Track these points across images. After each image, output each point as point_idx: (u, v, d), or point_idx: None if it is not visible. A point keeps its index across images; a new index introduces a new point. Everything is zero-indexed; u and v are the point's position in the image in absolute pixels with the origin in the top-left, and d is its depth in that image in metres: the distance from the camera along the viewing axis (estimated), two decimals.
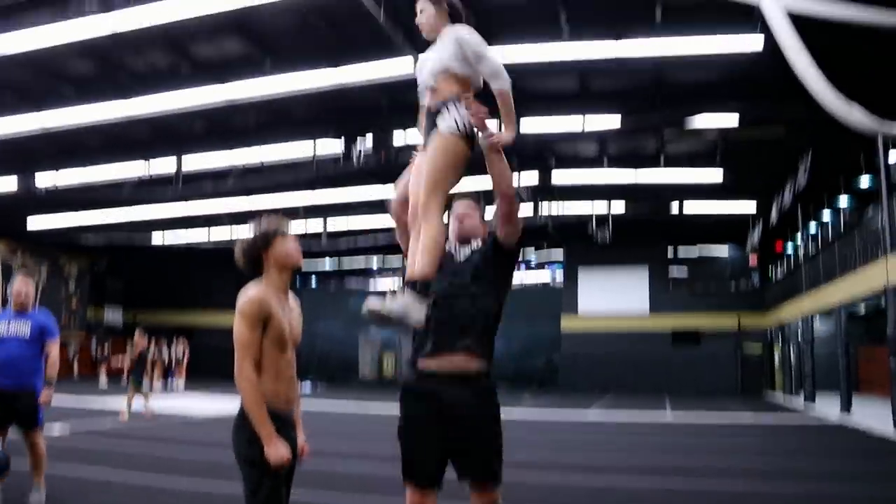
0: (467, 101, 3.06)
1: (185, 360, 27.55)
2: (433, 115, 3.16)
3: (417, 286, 2.93)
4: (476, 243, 3.33)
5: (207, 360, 28.52)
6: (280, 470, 3.04)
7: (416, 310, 2.89)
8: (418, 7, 3.37)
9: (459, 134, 3.06)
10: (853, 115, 11.45)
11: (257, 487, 3.03)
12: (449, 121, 3.08)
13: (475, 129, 3.08)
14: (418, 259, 3.00)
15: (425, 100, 3.27)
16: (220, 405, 17.15)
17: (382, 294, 3.13)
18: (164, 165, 21.10)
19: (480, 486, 3.07)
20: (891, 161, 16.64)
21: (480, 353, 3.12)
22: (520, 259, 3.20)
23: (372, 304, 2.91)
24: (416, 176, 3.18)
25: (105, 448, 9.99)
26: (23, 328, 5.86)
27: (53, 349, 6.02)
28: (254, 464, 3.03)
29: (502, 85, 3.13)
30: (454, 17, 3.35)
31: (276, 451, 3.01)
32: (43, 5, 12.58)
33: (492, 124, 3.12)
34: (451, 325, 3.12)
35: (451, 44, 3.19)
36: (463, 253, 3.32)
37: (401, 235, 3.37)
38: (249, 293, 3.16)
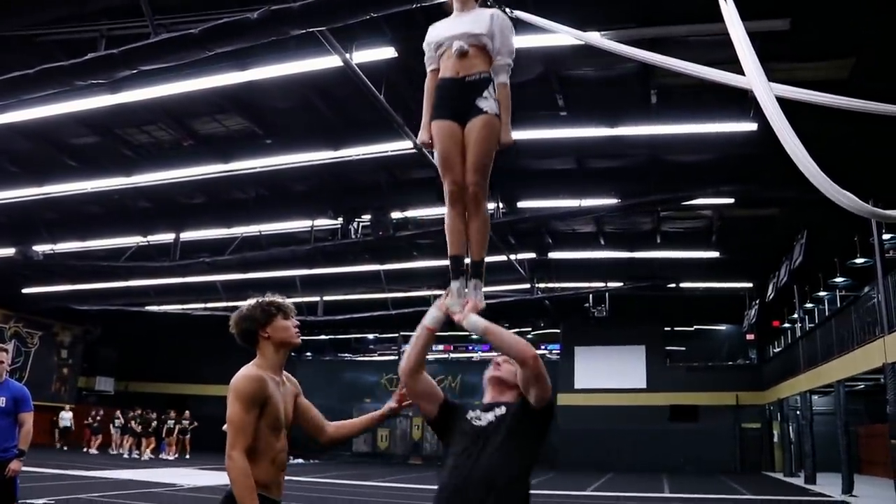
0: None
1: (176, 431, 27.43)
2: (468, 87, 3.15)
3: (482, 267, 3.08)
4: (500, 410, 3.06)
5: (199, 431, 28.15)
6: None
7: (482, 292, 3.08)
8: None
9: (497, 115, 3.15)
10: (846, 198, 11.54)
11: None
12: (491, 102, 3.13)
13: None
14: (477, 243, 3.09)
15: (450, 62, 3.21)
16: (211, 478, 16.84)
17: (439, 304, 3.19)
18: (161, 235, 21.12)
19: None
20: (885, 237, 16.74)
21: None
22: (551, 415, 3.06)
23: (451, 306, 3.06)
24: (454, 146, 3.12)
25: None
26: None
27: (28, 420, 5.90)
28: None
29: (508, 63, 3.24)
30: None
31: None
32: (49, 80, 12.75)
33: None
34: (469, 492, 2.82)
35: (488, 19, 3.22)
36: (486, 418, 3.04)
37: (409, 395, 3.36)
38: (247, 372, 3.01)
